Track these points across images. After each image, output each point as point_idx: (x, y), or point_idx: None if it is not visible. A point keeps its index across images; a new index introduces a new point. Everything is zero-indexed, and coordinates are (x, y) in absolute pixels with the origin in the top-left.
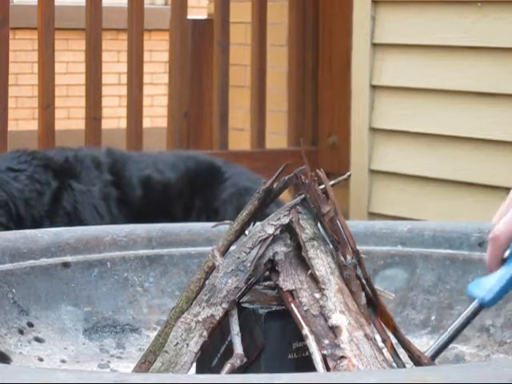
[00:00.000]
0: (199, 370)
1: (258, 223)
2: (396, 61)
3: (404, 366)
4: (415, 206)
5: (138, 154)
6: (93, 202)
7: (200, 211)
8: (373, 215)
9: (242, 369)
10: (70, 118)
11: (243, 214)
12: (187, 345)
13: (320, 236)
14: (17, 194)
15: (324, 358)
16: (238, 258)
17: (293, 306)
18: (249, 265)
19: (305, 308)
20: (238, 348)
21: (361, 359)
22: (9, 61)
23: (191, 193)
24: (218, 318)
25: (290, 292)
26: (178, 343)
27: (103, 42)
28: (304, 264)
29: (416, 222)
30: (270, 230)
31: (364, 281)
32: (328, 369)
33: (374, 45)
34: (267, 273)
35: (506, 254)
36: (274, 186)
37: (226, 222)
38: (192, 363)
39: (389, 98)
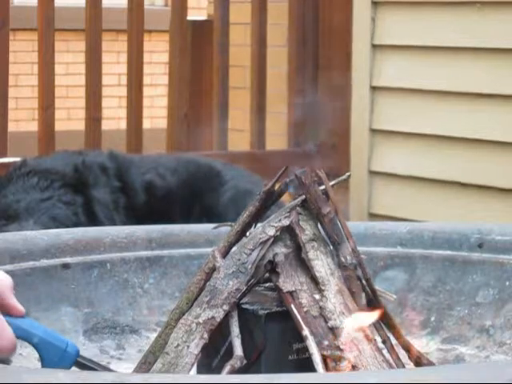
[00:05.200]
0: (200, 372)
1: (258, 224)
2: (396, 62)
3: (404, 367)
4: (415, 206)
5: (139, 158)
6: (109, 212)
7: (201, 215)
8: (373, 216)
9: (243, 370)
10: (70, 118)
11: (244, 216)
12: (188, 346)
13: (320, 237)
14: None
15: (324, 358)
16: (239, 259)
17: (293, 307)
18: (250, 266)
19: (305, 309)
20: (238, 349)
21: (360, 360)
22: (9, 62)
23: (192, 197)
24: (218, 319)
25: (290, 293)
26: (178, 345)
27: (103, 43)
28: (304, 265)
29: (416, 222)
30: (271, 232)
31: (364, 282)
32: (328, 369)
33: (374, 46)
34: (267, 274)
35: None
36: (275, 187)
37: (226, 223)
38: (192, 365)
39: (389, 99)
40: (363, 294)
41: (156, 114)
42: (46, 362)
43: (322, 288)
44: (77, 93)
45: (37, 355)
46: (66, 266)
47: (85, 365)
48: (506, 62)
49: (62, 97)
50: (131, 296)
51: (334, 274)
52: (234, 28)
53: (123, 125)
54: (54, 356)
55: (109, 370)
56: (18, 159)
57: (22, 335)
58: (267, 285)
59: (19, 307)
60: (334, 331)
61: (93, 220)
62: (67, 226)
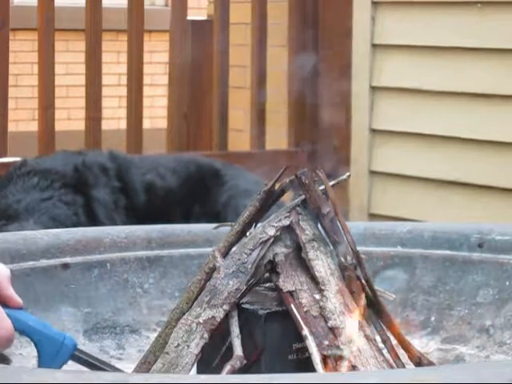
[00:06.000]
0: (200, 372)
1: (258, 224)
2: (396, 62)
3: (404, 367)
4: (415, 206)
5: (139, 159)
6: (109, 212)
7: (201, 215)
8: (373, 216)
9: (243, 370)
10: (70, 118)
11: (244, 216)
12: (188, 346)
13: (320, 237)
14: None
15: (324, 358)
16: (239, 259)
17: (293, 306)
18: (250, 266)
19: (305, 309)
20: (238, 350)
21: (360, 360)
22: (9, 62)
23: (192, 197)
24: (218, 319)
25: (290, 293)
26: (178, 344)
27: (103, 42)
28: (304, 265)
29: (416, 222)
30: (271, 232)
31: (364, 282)
32: (328, 369)
33: (374, 46)
34: (267, 274)
35: None
36: (275, 187)
37: (226, 223)
38: (193, 365)
39: (389, 99)
40: (363, 294)
41: (156, 113)
42: (42, 355)
43: (322, 288)
44: (77, 93)
45: (36, 354)
46: (65, 265)
47: (82, 359)
48: (505, 61)
49: (62, 97)
50: (131, 296)
51: (333, 274)
52: (233, 28)
53: (123, 125)
54: (51, 349)
55: (107, 364)
56: (18, 159)
57: (20, 327)
58: (267, 285)
59: (17, 299)
60: (334, 331)
61: (93, 220)
62: (67, 226)
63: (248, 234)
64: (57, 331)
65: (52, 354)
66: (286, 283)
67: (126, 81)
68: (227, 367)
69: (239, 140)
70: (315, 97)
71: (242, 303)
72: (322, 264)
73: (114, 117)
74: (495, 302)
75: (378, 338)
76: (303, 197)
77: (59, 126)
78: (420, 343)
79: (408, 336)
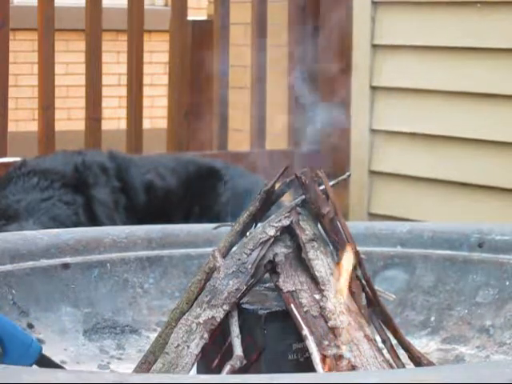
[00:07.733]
0: (200, 372)
1: (258, 224)
2: (396, 62)
3: (404, 367)
4: (415, 206)
5: (139, 158)
6: (109, 212)
7: (201, 215)
8: (373, 216)
9: (243, 370)
10: (70, 119)
11: (244, 216)
12: (188, 346)
13: (320, 237)
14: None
15: (324, 358)
16: (239, 259)
17: (293, 306)
18: (250, 266)
19: (305, 309)
20: (238, 350)
21: (361, 360)
22: (9, 62)
23: (192, 197)
24: (218, 319)
25: (290, 293)
26: (178, 345)
27: (103, 42)
28: (304, 265)
29: (416, 222)
30: (271, 232)
31: (364, 282)
32: (328, 369)
33: (374, 46)
34: (267, 274)
35: None
36: (275, 187)
37: (226, 223)
38: (193, 365)
39: (389, 99)
40: (363, 294)
41: (156, 113)
42: (9, 355)
43: (322, 288)
44: (77, 93)
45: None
46: (65, 265)
47: (45, 363)
48: (506, 61)
49: (62, 97)
50: (131, 296)
51: (334, 273)
52: (234, 28)
53: (123, 125)
54: (18, 350)
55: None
56: (18, 159)
57: None
58: (267, 285)
59: None
60: (334, 331)
61: (93, 220)
62: (67, 226)
63: (248, 233)
64: (25, 333)
65: (18, 354)
66: (286, 283)
67: (125, 81)
68: (227, 367)
69: (239, 140)
70: (315, 96)
71: (242, 303)
72: (322, 264)
73: (114, 117)
74: (495, 302)
75: (378, 338)
76: (303, 197)
77: (59, 126)
78: (420, 343)
79: (408, 336)
